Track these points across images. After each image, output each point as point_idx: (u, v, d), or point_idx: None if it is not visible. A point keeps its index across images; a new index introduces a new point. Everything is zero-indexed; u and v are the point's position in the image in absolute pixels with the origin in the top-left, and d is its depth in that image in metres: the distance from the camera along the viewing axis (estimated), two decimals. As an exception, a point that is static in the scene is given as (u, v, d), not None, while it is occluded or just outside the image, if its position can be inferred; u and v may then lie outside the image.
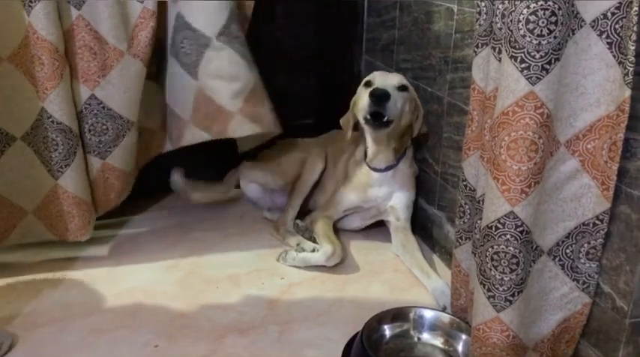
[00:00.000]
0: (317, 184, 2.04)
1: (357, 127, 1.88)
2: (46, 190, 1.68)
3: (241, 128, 1.77)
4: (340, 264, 1.77)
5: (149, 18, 1.69)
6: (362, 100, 1.73)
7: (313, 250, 1.80)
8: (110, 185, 1.80)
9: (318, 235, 1.83)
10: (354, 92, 1.87)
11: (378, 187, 1.87)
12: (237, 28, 1.72)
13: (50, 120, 1.62)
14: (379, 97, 1.65)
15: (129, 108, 1.73)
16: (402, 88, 1.75)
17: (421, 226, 1.94)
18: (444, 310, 1.54)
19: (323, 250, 1.75)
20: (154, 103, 1.90)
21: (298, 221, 1.97)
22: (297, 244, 1.86)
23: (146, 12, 1.69)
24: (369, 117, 1.69)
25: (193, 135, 1.84)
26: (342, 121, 1.92)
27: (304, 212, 2.03)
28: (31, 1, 1.52)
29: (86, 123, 1.69)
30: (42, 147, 1.64)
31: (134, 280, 1.69)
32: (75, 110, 1.67)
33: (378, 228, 1.99)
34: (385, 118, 1.67)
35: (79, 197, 1.70)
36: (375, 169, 1.85)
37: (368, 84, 1.77)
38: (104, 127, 1.71)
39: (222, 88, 1.73)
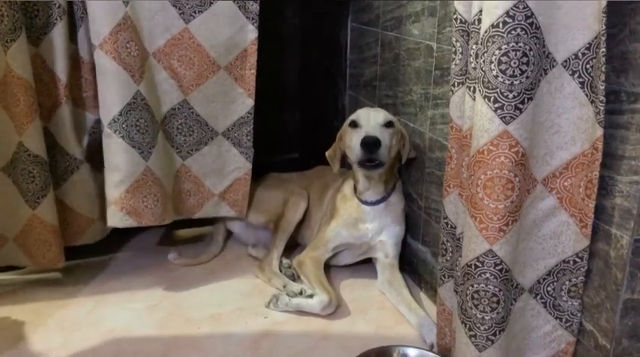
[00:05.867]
0: (302, 221, 2.02)
1: (343, 162, 1.88)
2: (24, 220, 1.73)
3: (113, 218, 1.73)
4: (334, 313, 1.72)
5: (84, 64, 1.76)
6: (351, 142, 1.72)
7: (301, 292, 1.76)
8: (72, 218, 1.84)
9: (310, 280, 1.79)
10: (338, 127, 1.88)
11: (370, 221, 1.84)
12: (137, 116, 1.70)
13: (27, 153, 1.67)
14: (371, 146, 1.64)
15: (74, 146, 1.79)
16: (388, 124, 1.74)
17: (407, 261, 1.93)
18: (431, 348, 1.52)
19: (319, 299, 1.70)
20: None
21: (283, 258, 1.95)
22: (284, 286, 1.82)
23: (81, 60, 1.76)
24: (361, 162, 1.69)
25: None
26: (327, 153, 1.91)
27: (290, 246, 2.01)
28: (7, 41, 1.57)
29: None
30: (20, 178, 1.69)
31: (115, 321, 1.66)
32: None
33: (363, 264, 1.97)
34: (377, 162, 1.67)
35: (55, 226, 1.75)
36: (366, 203, 1.84)
37: (354, 124, 1.75)
38: (54, 159, 1.77)
39: (107, 176, 1.72)
